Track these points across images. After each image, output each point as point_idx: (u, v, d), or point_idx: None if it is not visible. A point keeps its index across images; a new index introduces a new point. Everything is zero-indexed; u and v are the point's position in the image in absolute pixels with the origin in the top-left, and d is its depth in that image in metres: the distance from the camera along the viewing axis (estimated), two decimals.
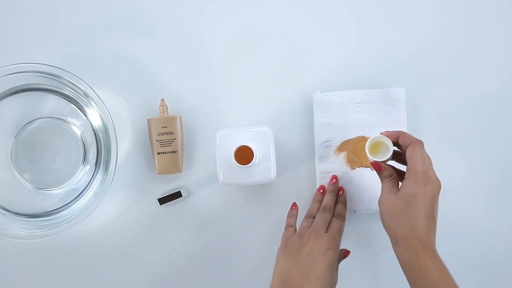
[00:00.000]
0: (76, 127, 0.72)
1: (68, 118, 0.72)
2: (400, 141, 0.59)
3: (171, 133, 0.71)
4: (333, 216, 0.66)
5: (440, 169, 0.72)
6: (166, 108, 0.71)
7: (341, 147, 0.72)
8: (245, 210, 0.74)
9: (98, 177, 0.69)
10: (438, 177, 0.56)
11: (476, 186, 0.73)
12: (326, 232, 0.62)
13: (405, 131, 0.71)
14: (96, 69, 0.73)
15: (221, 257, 0.74)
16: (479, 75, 0.73)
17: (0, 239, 0.65)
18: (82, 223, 0.66)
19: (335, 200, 0.68)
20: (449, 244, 0.73)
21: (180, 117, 0.72)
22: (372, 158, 0.60)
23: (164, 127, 0.71)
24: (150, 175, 0.74)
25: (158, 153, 0.71)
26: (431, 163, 0.57)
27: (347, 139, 0.72)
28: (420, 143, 0.57)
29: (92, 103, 0.66)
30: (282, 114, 0.73)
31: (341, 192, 0.70)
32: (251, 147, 0.62)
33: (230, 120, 0.73)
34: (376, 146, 0.61)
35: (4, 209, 0.69)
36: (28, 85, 0.69)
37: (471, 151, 0.73)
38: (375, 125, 0.71)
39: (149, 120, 0.71)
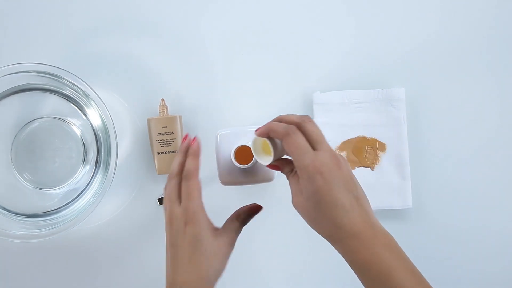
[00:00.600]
0: (76, 127, 0.72)
1: (68, 118, 0.72)
2: (274, 137, 0.50)
3: (171, 133, 0.71)
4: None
5: (440, 169, 0.73)
6: (166, 108, 0.71)
7: (341, 147, 0.72)
8: None
9: (98, 177, 0.69)
10: (331, 148, 0.47)
11: (476, 186, 0.73)
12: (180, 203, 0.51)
13: (405, 131, 0.71)
14: (96, 69, 0.73)
15: None
16: (479, 75, 0.73)
17: (0, 239, 0.65)
18: (82, 223, 0.65)
19: (183, 161, 0.53)
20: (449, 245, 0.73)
21: (180, 117, 0.72)
22: (262, 162, 0.53)
23: (164, 127, 0.71)
24: (150, 175, 0.74)
25: (158, 153, 0.71)
26: (320, 137, 0.47)
27: (347, 139, 0.72)
28: (290, 133, 0.47)
29: (92, 103, 0.66)
30: (282, 114, 0.73)
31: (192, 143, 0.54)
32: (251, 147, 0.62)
33: (230, 120, 0.73)
34: (265, 145, 0.52)
35: (4, 209, 0.69)
36: (28, 85, 0.69)
37: (471, 151, 0.73)
38: (375, 125, 0.71)
39: (149, 120, 0.71)
